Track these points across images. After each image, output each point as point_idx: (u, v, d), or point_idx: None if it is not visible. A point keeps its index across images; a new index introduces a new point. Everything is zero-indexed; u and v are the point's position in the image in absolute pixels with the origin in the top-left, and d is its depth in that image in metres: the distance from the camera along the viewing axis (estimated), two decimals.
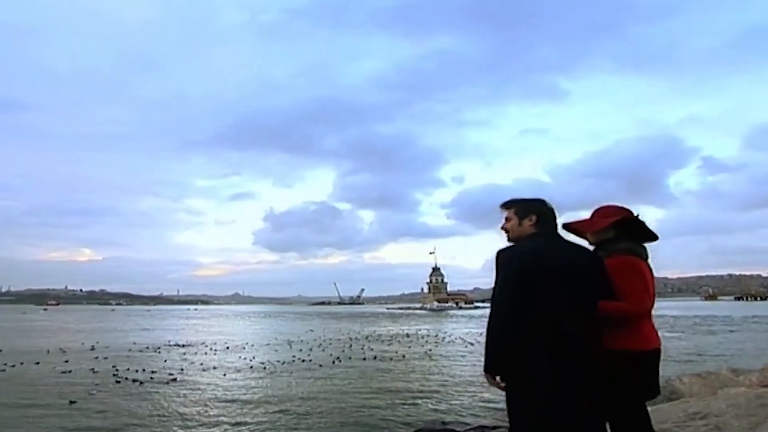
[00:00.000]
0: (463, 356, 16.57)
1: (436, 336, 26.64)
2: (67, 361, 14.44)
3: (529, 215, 1.98)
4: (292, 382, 11.40)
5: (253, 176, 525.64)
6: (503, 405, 1.95)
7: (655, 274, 2.14)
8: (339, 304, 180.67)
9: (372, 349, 18.76)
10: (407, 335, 27.17)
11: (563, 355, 1.76)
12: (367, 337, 25.49)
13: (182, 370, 13.09)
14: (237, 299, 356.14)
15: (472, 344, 20.91)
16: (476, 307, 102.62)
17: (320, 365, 14.11)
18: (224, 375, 12.46)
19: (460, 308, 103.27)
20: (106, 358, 15.48)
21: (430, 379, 11.59)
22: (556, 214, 2.02)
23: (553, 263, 1.85)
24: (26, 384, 10.86)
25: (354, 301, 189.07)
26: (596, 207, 2.26)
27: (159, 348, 19.36)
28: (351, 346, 20.32)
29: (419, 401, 9.08)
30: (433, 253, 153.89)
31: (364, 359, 15.82)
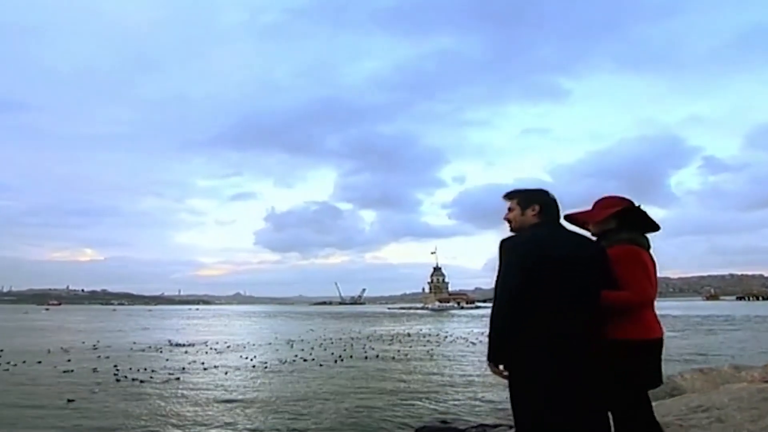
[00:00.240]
0: (464, 356, 16.54)
1: (438, 336, 26.61)
2: (69, 360, 14.46)
3: (531, 205, 1.98)
4: (293, 381, 11.40)
5: (254, 176, 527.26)
6: (504, 404, 1.97)
7: (657, 275, 2.13)
8: (340, 304, 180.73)
9: (373, 349, 18.75)
10: (408, 335, 27.16)
11: (563, 355, 1.77)
12: (368, 337, 25.48)
13: (183, 369, 13.09)
14: (238, 299, 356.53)
15: (473, 344, 20.90)
16: (477, 307, 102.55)
17: (320, 364, 14.11)
18: (225, 374, 12.47)
19: (462, 308, 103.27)
20: (107, 357, 15.50)
21: (431, 379, 11.57)
22: (559, 205, 2.02)
23: (556, 253, 1.85)
24: (27, 383, 10.87)
25: (355, 301, 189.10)
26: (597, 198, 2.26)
27: (160, 347, 19.36)
28: (352, 345, 20.30)
29: (420, 400, 9.07)
30: (435, 253, 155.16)
31: (366, 357, 15.82)
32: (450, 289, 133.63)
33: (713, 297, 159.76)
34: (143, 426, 7.30)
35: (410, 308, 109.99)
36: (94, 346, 19.57)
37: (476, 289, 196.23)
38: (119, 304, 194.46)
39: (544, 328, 1.77)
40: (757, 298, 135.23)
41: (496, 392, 9.13)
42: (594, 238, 2.16)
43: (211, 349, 19.29)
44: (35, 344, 19.85)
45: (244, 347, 19.93)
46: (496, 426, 5.25)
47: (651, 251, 2.13)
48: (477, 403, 8.77)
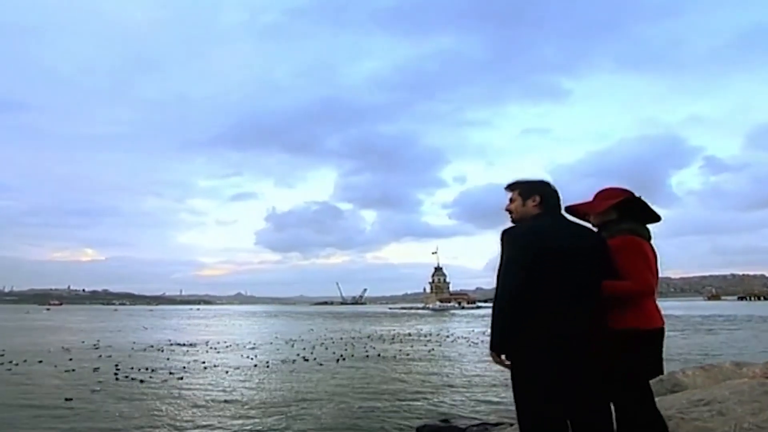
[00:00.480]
0: (465, 355, 16.53)
1: (439, 335, 26.61)
2: (70, 360, 14.47)
3: (532, 195, 1.99)
4: (294, 380, 11.40)
5: (254, 176, 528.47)
6: (506, 403, 1.98)
7: (658, 265, 2.13)
8: (341, 304, 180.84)
9: (374, 348, 18.74)
10: (409, 335, 27.15)
11: (564, 356, 1.78)
12: (369, 337, 25.48)
13: (184, 368, 13.09)
14: (239, 299, 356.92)
15: (474, 344, 20.88)
16: (479, 307, 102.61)
17: (321, 364, 14.10)
18: (226, 373, 12.47)
19: (463, 308, 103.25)
20: (109, 357, 15.50)
21: (432, 378, 11.55)
22: (560, 195, 2.02)
23: (557, 244, 1.85)
24: (28, 383, 10.88)
25: (356, 301, 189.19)
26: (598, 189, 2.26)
27: (161, 347, 19.36)
28: (353, 345, 20.30)
29: (421, 400, 9.05)
30: (436, 253, 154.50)
31: (367, 357, 15.82)
32: (451, 289, 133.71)
33: (714, 297, 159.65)
34: (143, 426, 7.29)
35: (411, 308, 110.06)
36: (95, 345, 19.57)
37: (477, 289, 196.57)
38: (120, 304, 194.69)
39: (544, 330, 1.78)
40: (759, 298, 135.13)
41: (497, 392, 9.12)
42: (595, 229, 2.15)
43: (211, 348, 19.29)
44: (36, 344, 19.86)
45: (245, 347, 19.94)
46: (497, 424, 5.24)
47: (652, 242, 2.13)
48: (479, 401, 8.75)
